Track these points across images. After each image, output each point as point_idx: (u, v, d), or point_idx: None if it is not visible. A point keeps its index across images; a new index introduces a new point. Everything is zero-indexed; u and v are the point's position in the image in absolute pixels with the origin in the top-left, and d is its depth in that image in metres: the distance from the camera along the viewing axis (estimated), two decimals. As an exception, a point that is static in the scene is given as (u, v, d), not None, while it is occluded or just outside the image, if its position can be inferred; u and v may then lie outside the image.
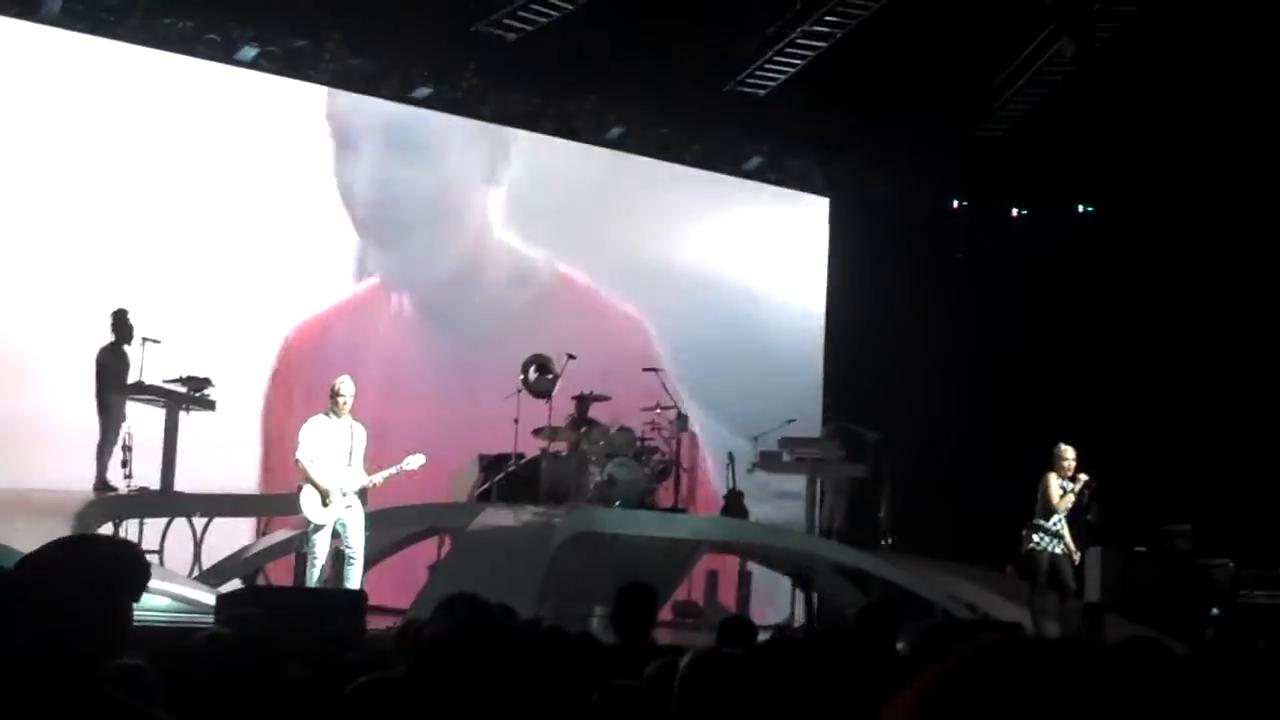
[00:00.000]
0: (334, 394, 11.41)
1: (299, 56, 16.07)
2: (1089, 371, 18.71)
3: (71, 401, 13.62)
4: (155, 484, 13.38)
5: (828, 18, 17.31)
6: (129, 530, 13.23)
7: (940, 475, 17.70)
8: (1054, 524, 12.68)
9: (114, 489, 13.20)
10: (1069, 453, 12.74)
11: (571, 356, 15.12)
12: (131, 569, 2.70)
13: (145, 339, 13.53)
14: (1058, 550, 12.68)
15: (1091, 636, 10.65)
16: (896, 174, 19.41)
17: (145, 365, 13.49)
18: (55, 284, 14.67)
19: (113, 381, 13.31)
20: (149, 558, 12.43)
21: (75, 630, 2.60)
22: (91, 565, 2.68)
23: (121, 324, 13.53)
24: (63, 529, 10.37)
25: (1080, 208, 20.06)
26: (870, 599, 13.71)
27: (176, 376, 13.53)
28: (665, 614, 14.39)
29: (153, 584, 10.68)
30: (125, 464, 13.32)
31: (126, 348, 13.49)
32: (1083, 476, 12.75)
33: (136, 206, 15.29)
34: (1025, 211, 20.33)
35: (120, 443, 13.36)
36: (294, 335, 16.32)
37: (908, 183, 19.53)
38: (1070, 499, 12.68)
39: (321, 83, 16.39)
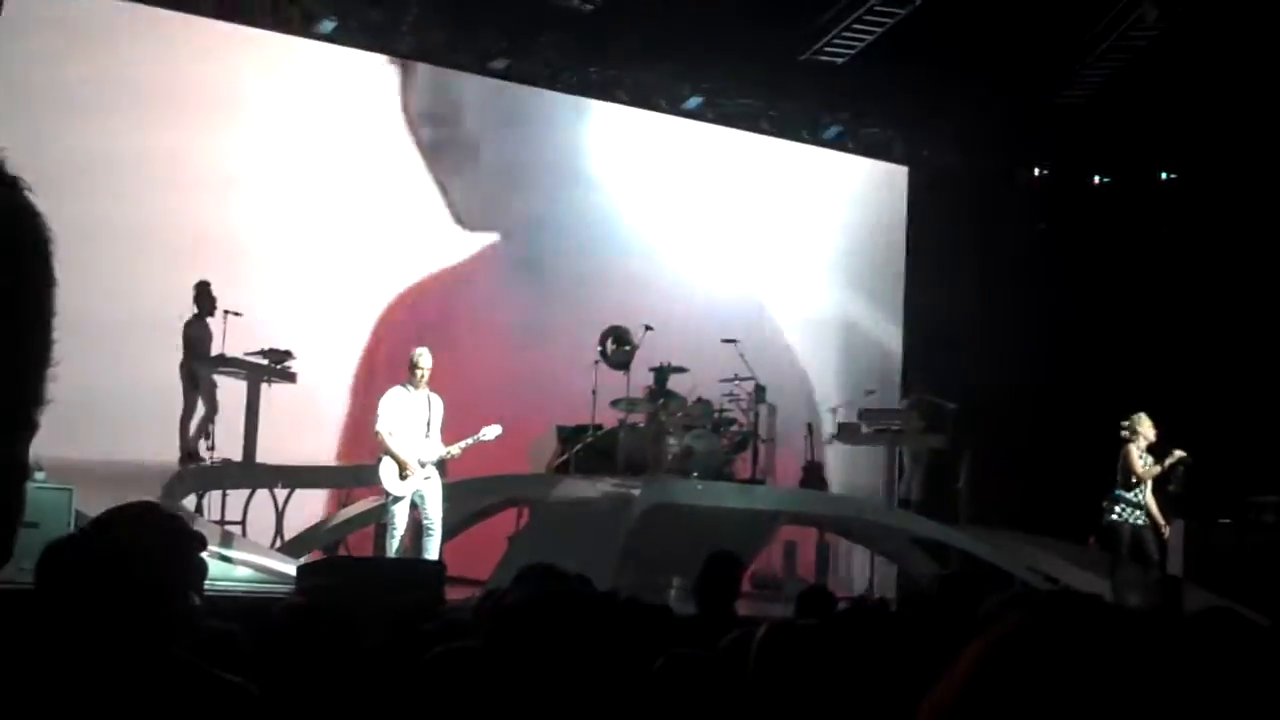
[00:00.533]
0: (412, 365, 11.47)
1: (377, 29, 16.13)
2: (1173, 341, 18.47)
3: (158, 373, 13.78)
4: (238, 456, 13.53)
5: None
6: (212, 501, 13.41)
7: (1020, 446, 17.56)
8: (1136, 495, 12.54)
9: (198, 460, 13.36)
10: (1146, 423, 12.59)
11: (649, 328, 15.12)
12: (184, 539, 2.72)
13: (227, 312, 13.67)
14: (1140, 522, 12.55)
15: (1168, 609, 10.53)
16: (977, 143, 19.22)
17: (228, 338, 13.64)
18: (144, 255, 14.81)
19: (197, 354, 13.46)
20: (232, 529, 12.61)
21: (141, 595, 2.61)
22: (149, 534, 2.69)
23: (204, 296, 13.67)
24: (144, 499, 10.48)
25: (1163, 175, 19.78)
26: (949, 570, 13.63)
27: (259, 349, 13.66)
28: (744, 585, 14.38)
29: (235, 554, 10.86)
30: (208, 435, 13.49)
31: (210, 320, 13.64)
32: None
33: (226, 181, 15.42)
34: (1107, 180, 20.09)
35: (204, 414, 13.53)
36: (384, 309, 16.43)
37: (988, 151, 19.34)
38: (1153, 468, 12.53)
39: (399, 55, 16.45)
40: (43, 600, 2.53)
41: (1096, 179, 20.10)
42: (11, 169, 0.95)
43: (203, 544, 2.74)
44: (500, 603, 3.70)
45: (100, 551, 2.59)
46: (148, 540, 2.60)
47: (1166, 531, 12.76)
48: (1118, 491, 12.62)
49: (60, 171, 14.19)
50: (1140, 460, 12.51)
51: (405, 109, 16.78)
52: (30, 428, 0.96)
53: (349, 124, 16.31)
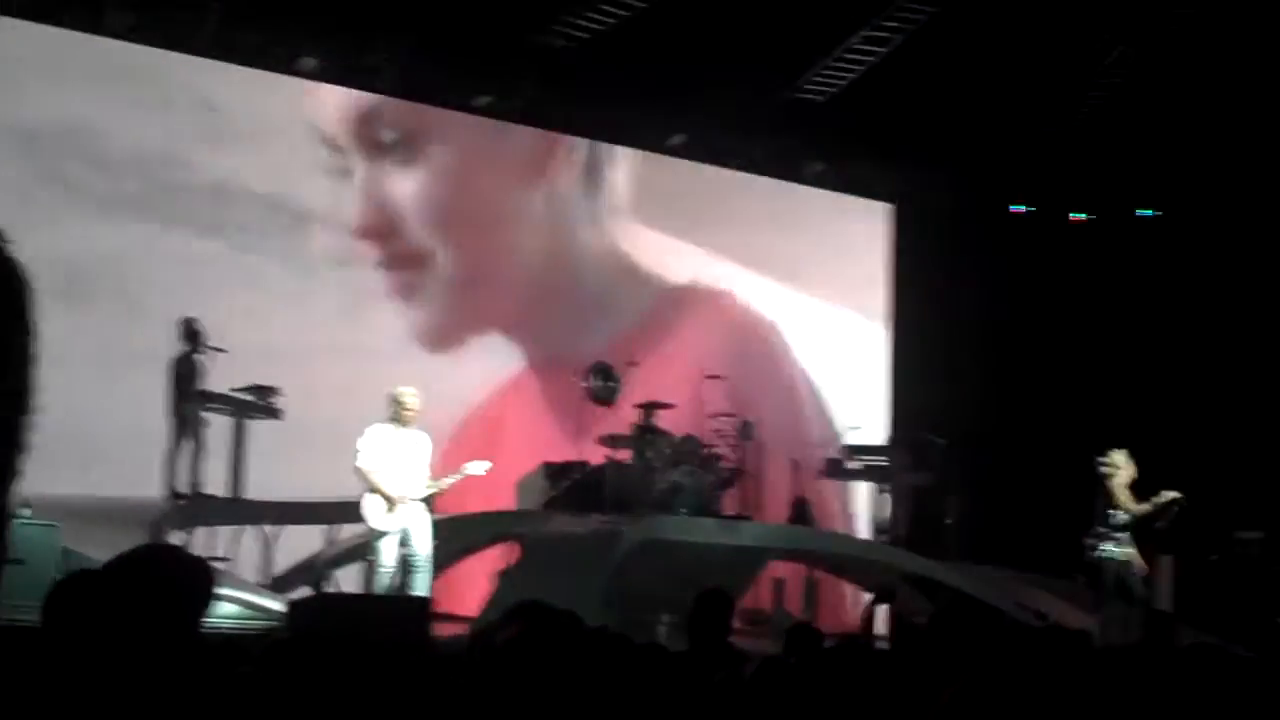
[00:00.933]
0: (398, 403, 11.46)
1: (359, 67, 16.17)
2: (1156, 377, 18.54)
3: (144, 408, 13.76)
4: (225, 491, 13.52)
5: (886, 23, 17.26)
6: (199, 538, 13.38)
7: (1007, 482, 17.58)
8: (1118, 533, 12.55)
9: (184, 496, 13.34)
10: (1124, 459, 12.58)
11: (634, 363, 15.16)
12: (200, 583, 2.73)
13: (212, 347, 13.67)
14: (1123, 558, 12.56)
15: (1157, 645, 10.54)
16: (958, 179, 19.30)
17: (213, 373, 13.65)
18: (131, 292, 14.81)
19: (184, 390, 13.45)
20: (219, 564, 12.57)
21: (145, 636, 2.63)
22: (164, 576, 2.70)
23: (192, 333, 13.66)
24: (135, 536, 10.47)
25: (1143, 211, 19.88)
26: (938, 607, 13.62)
27: (244, 385, 13.66)
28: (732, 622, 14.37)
29: (223, 591, 10.81)
30: (195, 471, 13.48)
31: (198, 356, 13.62)
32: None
33: (210, 211, 15.44)
34: (1087, 216, 20.18)
35: (191, 450, 13.52)
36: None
37: (969, 188, 19.42)
38: (1138, 505, 12.54)
39: (382, 92, 16.47)
40: (51, 637, 2.53)
41: (1076, 215, 20.17)
42: None
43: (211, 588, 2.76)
44: (491, 640, 3.71)
45: (116, 590, 2.60)
46: (165, 581, 2.62)
47: (1140, 569, 12.71)
48: (1099, 528, 12.62)
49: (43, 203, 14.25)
50: (1124, 495, 12.50)
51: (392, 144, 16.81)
52: (14, 475, 0.98)
53: (327, 156, 16.33)
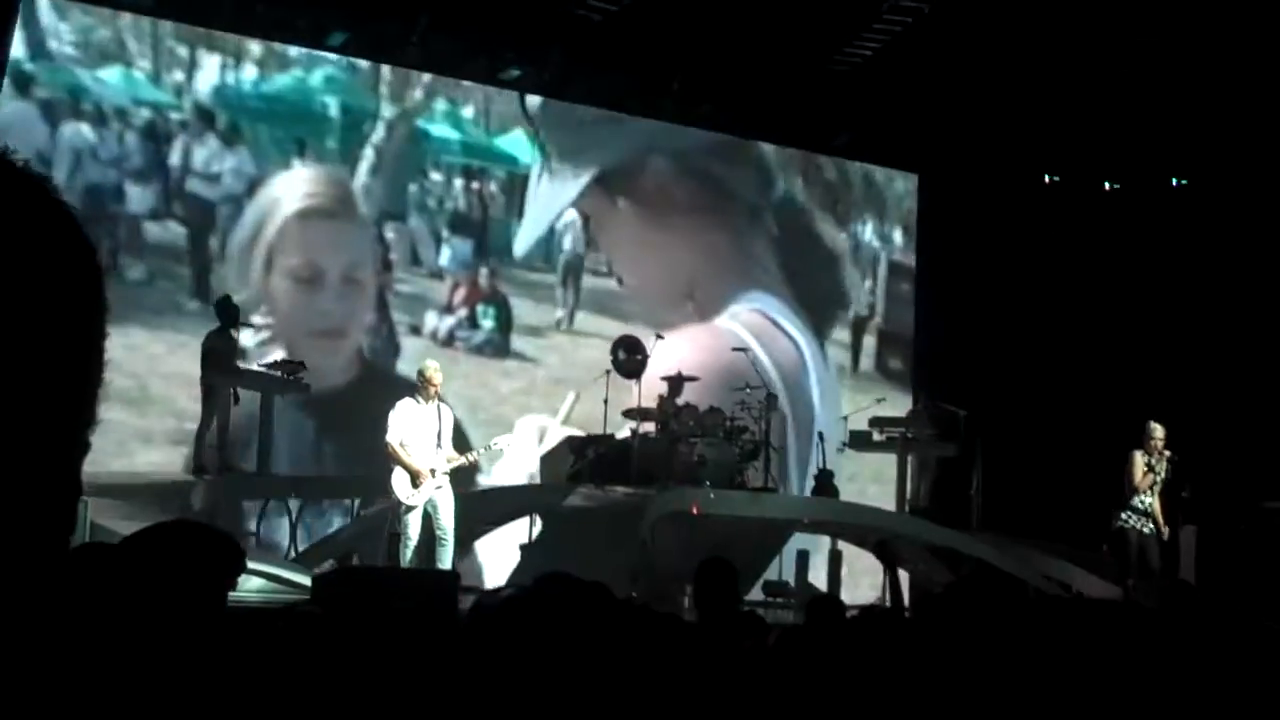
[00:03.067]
0: (422, 378, 11.53)
1: (386, 40, 16.18)
2: (1185, 347, 18.46)
3: (173, 385, 13.85)
4: (252, 466, 13.59)
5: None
6: (226, 512, 13.46)
7: (1033, 453, 17.56)
8: (1141, 503, 12.55)
9: (211, 472, 13.40)
10: (1158, 430, 12.60)
11: (660, 337, 15.18)
12: (228, 558, 2.77)
13: (242, 323, 13.74)
14: (1146, 530, 12.56)
15: (1176, 614, 10.53)
16: (987, 149, 19.24)
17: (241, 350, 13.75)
18: (163, 269, 14.91)
19: (218, 366, 13.47)
20: (246, 540, 12.63)
21: (171, 613, 2.66)
22: (192, 551, 2.74)
23: (226, 310, 13.68)
24: (163, 512, 10.55)
25: (1174, 181, 19.78)
26: (959, 576, 13.63)
27: (271, 360, 13.72)
28: (756, 593, 14.42)
29: (250, 565, 10.87)
30: (223, 447, 13.54)
31: (233, 332, 13.64)
32: (1166, 452, 12.60)
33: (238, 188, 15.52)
34: (1118, 186, 20.10)
35: (219, 425, 13.57)
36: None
37: (998, 158, 19.36)
38: (1152, 477, 12.55)
39: (409, 66, 16.49)
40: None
41: (1107, 184, 20.09)
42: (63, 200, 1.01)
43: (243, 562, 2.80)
44: (481, 604, 3.75)
45: (135, 564, 2.64)
46: (190, 556, 2.65)
47: (1165, 535, 12.73)
48: (1124, 498, 12.63)
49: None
50: (1141, 467, 12.52)
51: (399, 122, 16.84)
52: (87, 448, 1.03)
53: (361, 134, 16.39)
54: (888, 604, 14.16)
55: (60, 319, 0.97)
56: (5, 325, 0.93)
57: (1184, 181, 19.78)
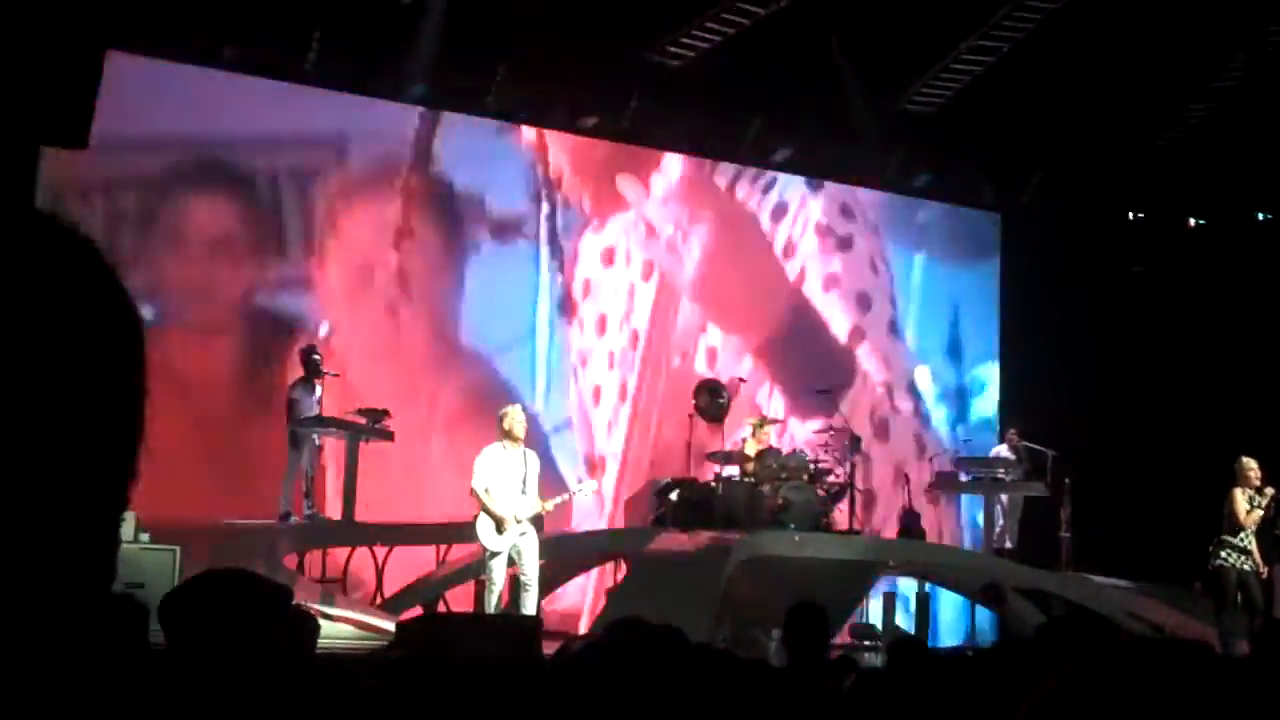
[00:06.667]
0: (505, 423, 11.56)
1: (467, 91, 16.32)
2: (1272, 382, 18.18)
3: (261, 434, 14.01)
4: (338, 514, 13.70)
5: (994, 32, 17.12)
6: (313, 560, 13.57)
7: (1122, 492, 17.34)
8: (1241, 540, 12.35)
9: (299, 519, 13.53)
10: (1253, 465, 12.41)
11: (742, 380, 15.18)
12: (270, 605, 2.79)
13: (325, 372, 13.91)
14: (1246, 567, 12.35)
15: (1271, 656, 10.33)
16: (1070, 187, 19.11)
17: (326, 398, 13.89)
18: (247, 318, 15.10)
19: (299, 415, 13.67)
20: (332, 586, 12.70)
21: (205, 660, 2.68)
22: (233, 599, 2.76)
23: (309, 361, 13.90)
24: (251, 559, 10.64)
25: (1260, 215, 19.54)
26: (1049, 618, 13.48)
27: (355, 409, 13.85)
28: (843, 637, 14.33)
29: (335, 611, 10.96)
30: (309, 495, 13.68)
31: (316, 382, 13.85)
32: (1270, 490, 12.41)
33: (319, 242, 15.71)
34: (1203, 222, 19.88)
35: (305, 474, 13.72)
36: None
37: (1081, 196, 19.22)
38: (1258, 514, 12.36)
39: (488, 115, 16.62)
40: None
41: (1192, 220, 19.89)
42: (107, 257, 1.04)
43: (283, 604, 2.81)
44: (566, 650, 3.75)
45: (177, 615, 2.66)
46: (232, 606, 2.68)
47: (1264, 574, 12.52)
48: (1223, 536, 12.44)
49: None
50: (1244, 504, 12.33)
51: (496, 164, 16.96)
52: (126, 504, 1.06)
53: (445, 182, 16.53)
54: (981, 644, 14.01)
55: (100, 376, 0.99)
56: (48, 381, 0.96)
57: (1269, 216, 19.53)
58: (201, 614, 2.66)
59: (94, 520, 0.99)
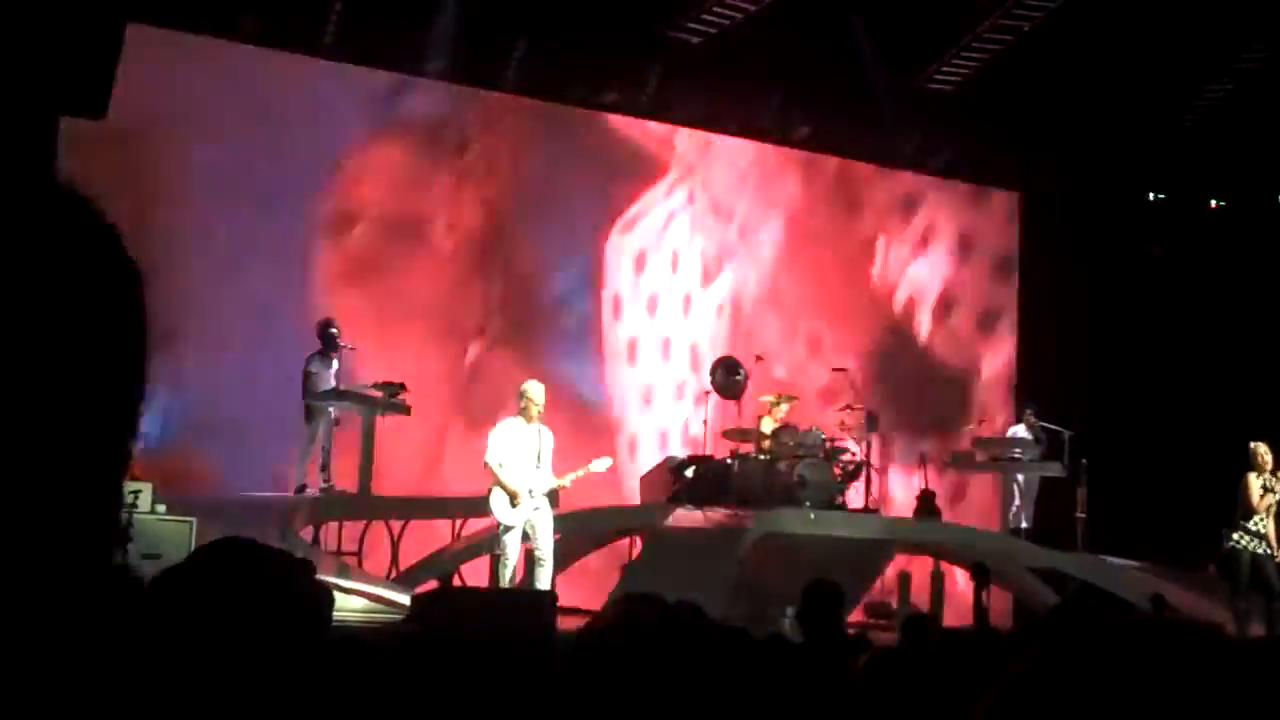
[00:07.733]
0: (523, 399, 11.55)
1: (484, 65, 16.28)
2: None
3: (277, 406, 14.02)
4: (354, 487, 13.72)
5: (1015, 11, 17.05)
6: (329, 533, 13.60)
7: (1139, 473, 17.31)
8: (1255, 524, 12.33)
9: (315, 492, 13.55)
10: (1266, 450, 12.38)
11: (760, 358, 15.16)
12: (281, 574, 2.77)
13: (343, 345, 13.90)
14: (1260, 550, 12.33)
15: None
16: (1090, 167, 19.03)
17: (343, 372, 13.91)
18: (271, 291, 15.08)
19: (315, 388, 13.68)
20: (348, 559, 12.72)
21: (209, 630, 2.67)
22: (240, 569, 2.74)
23: (326, 334, 13.88)
24: (267, 531, 10.66)
25: (1280, 198, 19.46)
26: (1063, 598, 13.47)
27: (372, 382, 13.86)
28: (857, 615, 14.33)
29: (350, 584, 10.98)
30: (325, 468, 13.69)
31: (333, 355, 13.85)
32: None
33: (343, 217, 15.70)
34: (1224, 203, 19.79)
35: (321, 447, 13.73)
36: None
37: (1102, 176, 19.14)
38: (1271, 498, 12.34)
39: (507, 90, 16.59)
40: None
41: (1213, 202, 19.80)
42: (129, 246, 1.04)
43: (306, 576, 2.79)
44: (590, 628, 3.74)
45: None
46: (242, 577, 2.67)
47: (1278, 557, 12.49)
48: (1237, 520, 12.43)
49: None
50: (1257, 489, 12.31)
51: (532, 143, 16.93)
52: (128, 458, 1.05)
53: (452, 155, 16.52)
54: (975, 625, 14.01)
55: (100, 333, 0.99)
56: (47, 336, 0.95)
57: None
58: (211, 587, 2.66)
59: (94, 480, 0.98)
